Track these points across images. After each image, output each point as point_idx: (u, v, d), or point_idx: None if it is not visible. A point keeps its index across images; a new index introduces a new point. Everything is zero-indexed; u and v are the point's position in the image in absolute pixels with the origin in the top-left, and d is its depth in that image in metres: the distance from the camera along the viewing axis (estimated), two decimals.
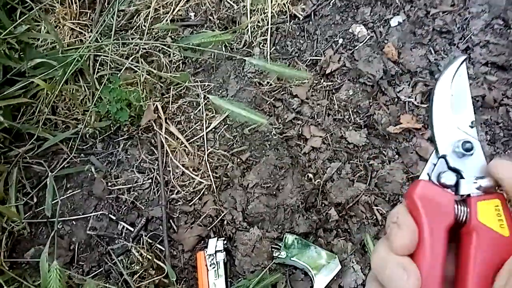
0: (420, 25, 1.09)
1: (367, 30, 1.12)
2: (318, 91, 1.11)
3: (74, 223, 1.09)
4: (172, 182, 1.11)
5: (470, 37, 1.06)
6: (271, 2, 1.23)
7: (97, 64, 1.29)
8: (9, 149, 1.20)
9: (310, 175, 1.03)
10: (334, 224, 0.98)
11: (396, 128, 1.00)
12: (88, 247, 1.06)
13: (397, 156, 1.00)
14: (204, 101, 1.20)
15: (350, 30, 1.13)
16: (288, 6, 1.21)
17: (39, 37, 1.34)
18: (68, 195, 1.12)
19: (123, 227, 1.08)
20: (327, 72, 1.11)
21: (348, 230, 0.98)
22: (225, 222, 1.03)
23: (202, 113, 1.19)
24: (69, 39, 1.39)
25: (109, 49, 1.27)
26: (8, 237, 1.09)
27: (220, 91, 1.21)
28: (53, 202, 1.10)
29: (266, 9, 1.24)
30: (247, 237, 0.99)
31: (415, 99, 1.02)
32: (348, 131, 1.03)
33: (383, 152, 1.01)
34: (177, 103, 1.21)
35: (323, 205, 1.00)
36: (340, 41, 1.14)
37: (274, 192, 1.03)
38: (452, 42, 1.06)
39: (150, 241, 1.05)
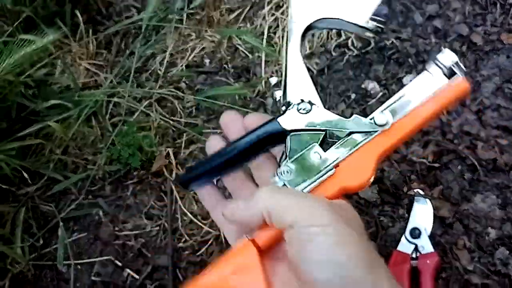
0: None
1: (380, 87, 1.14)
2: None
3: (79, 267, 1.07)
4: (180, 230, 1.10)
5: (481, 100, 1.08)
6: (286, 55, 1.26)
7: (111, 105, 1.31)
8: (17, 188, 1.20)
9: None
10: None
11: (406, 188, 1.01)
12: None
13: (407, 214, 1.00)
14: None
15: (363, 86, 1.16)
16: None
17: (55, 78, 1.36)
18: (74, 238, 1.11)
19: (128, 274, 1.06)
20: None
21: None
22: None
23: None
24: (84, 79, 1.41)
25: (123, 91, 1.29)
26: (11, 279, 1.07)
27: None
28: (58, 245, 1.09)
29: (280, 61, 1.27)
30: None
31: (427, 159, 1.03)
32: None
33: (394, 209, 1.01)
34: (188, 149, 1.21)
35: None
36: (353, 96, 1.16)
37: None
38: (464, 103, 1.08)
39: None
